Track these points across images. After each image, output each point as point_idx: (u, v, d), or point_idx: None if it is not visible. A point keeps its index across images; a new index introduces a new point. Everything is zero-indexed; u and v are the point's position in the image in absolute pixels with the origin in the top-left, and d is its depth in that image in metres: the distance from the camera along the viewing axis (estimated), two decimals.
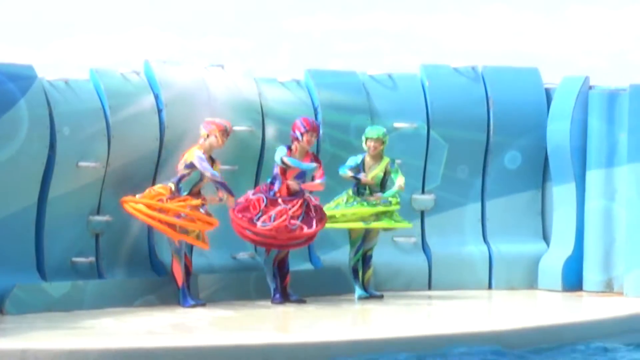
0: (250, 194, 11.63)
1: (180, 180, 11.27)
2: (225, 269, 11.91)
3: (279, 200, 11.58)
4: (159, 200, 11.24)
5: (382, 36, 21.31)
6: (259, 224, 11.45)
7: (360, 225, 12.00)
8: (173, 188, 11.29)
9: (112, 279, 11.35)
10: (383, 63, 13.11)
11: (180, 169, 11.31)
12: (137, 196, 11.27)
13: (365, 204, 12.00)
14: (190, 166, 11.25)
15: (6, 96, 10.65)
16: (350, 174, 12.01)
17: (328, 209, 11.93)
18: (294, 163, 11.64)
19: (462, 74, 13.10)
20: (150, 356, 8.92)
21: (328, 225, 11.88)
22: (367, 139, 12.01)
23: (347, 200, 12.07)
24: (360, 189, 12.04)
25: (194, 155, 11.27)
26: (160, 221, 11.18)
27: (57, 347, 8.79)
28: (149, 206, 11.21)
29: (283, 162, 11.64)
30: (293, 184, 11.66)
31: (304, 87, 12.58)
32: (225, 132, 11.39)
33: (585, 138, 12.72)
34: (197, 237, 11.40)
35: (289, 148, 11.65)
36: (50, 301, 10.64)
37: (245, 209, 11.55)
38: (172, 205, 11.20)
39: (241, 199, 11.59)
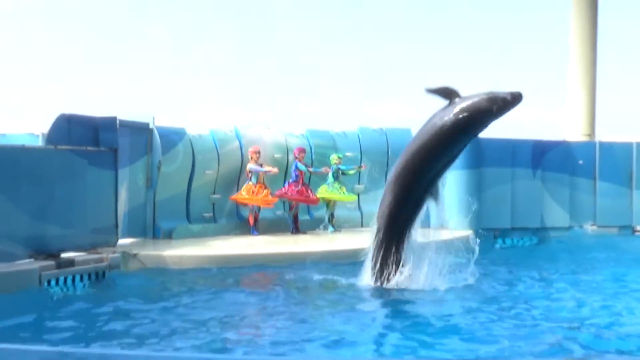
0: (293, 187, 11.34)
1: (253, 179, 11.10)
2: (271, 218, 11.69)
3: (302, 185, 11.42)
4: (249, 191, 11.03)
5: (342, 113, 21.72)
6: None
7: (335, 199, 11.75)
8: (252, 182, 11.10)
9: (220, 223, 11.24)
10: (341, 125, 13.44)
11: (248, 174, 11.17)
12: (243, 191, 11.02)
13: (337, 192, 11.65)
14: (250, 172, 11.13)
15: (172, 142, 10.67)
16: (355, 168, 11.97)
17: (322, 192, 11.64)
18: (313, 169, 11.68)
19: (376, 131, 12.91)
20: (236, 258, 9.02)
21: (321, 196, 11.61)
22: (339, 157, 11.83)
23: (328, 187, 11.68)
24: (338, 175, 11.73)
25: (250, 167, 11.15)
26: (247, 202, 11.10)
27: (195, 254, 8.99)
28: (242, 199, 11.07)
29: (308, 169, 11.53)
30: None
31: (306, 137, 12.41)
32: (259, 153, 11.20)
33: None
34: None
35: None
36: (192, 233, 10.63)
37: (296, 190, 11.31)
38: (252, 196, 10.98)
39: (283, 190, 11.32)
